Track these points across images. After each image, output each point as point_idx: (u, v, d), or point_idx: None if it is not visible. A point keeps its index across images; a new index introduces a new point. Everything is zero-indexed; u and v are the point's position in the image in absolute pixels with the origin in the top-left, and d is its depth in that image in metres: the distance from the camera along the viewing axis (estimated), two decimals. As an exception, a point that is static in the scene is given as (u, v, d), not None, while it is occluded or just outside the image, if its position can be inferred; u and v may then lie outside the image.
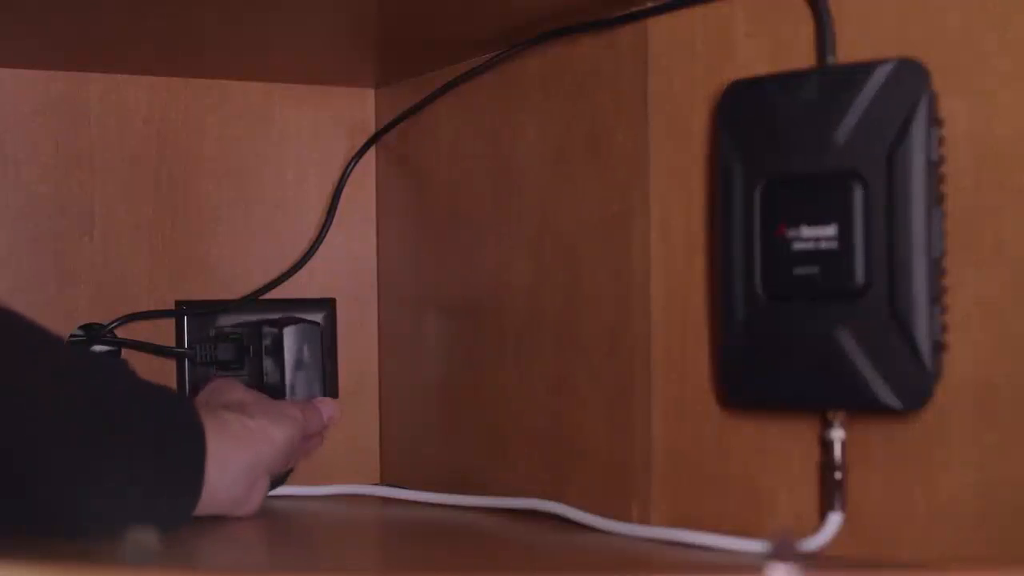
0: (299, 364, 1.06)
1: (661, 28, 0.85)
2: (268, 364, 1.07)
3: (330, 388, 1.13)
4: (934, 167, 0.69)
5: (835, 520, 0.74)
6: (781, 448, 0.78)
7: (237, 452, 0.88)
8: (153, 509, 0.82)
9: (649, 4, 0.86)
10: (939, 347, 0.69)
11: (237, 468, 0.88)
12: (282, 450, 0.92)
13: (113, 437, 0.80)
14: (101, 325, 1.07)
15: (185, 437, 0.85)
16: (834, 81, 0.72)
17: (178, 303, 1.11)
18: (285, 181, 1.15)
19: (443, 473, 1.08)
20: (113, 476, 0.80)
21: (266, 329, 1.08)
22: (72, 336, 1.06)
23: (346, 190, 1.16)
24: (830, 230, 0.72)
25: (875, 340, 0.70)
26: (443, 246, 1.08)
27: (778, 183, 0.75)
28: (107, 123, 1.09)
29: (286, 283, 1.14)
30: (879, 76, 0.70)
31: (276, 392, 1.05)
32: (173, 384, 1.10)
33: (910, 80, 0.69)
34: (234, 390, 0.97)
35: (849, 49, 0.74)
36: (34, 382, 0.78)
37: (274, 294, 1.13)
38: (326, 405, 1.02)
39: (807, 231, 0.73)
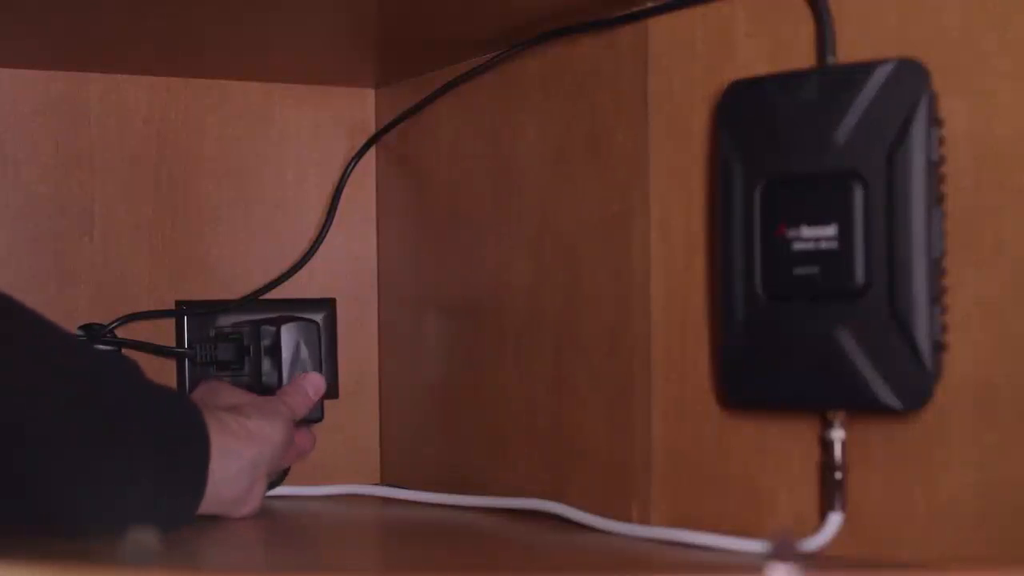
0: (297, 362, 1.06)
1: (661, 28, 0.85)
2: (267, 364, 1.07)
3: (330, 388, 1.13)
4: (934, 167, 0.69)
5: (835, 520, 0.74)
6: (781, 448, 0.78)
7: (239, 451, 0.88)
8: (157, 506, 0.82)
9: (649, 4, 0.86)
10: (939, 347, 0.69)
11: (240, 466, 0.88)
12: (279, 447, 0.93)
13: (117, 434, 0.80)
14: (101, 325, 1.07)
15: (189, 435, 0.85)
16: (834, 81, 0.72)
17: (178, 303, 1.11)
18: (285, 181, 1.15)
19: (443, 473, 1.08)
20: (117, 473, 0.80)
21: (265, 328, 1.08)
22: (72, 336, 1.06)
23: (346, 190, 1.16)
24: (830, 230, 0.72)
25: (875, 340, 0.70)
26: (443, 246, 1.08)
27: (778, 183, 0.75)
28: (107, 123, 1.09)
29: (286, 283, 1.14)
30: (879, 76, 0.70)
31: (274, 392, 1.05)
32: (173, 384, 1.09)
33: (910, 80, 0.69)
34: (225, 393, 0.98)
35: (849, 49, 0.74)
36: (39, 379, 0.78)
37: (274, 294, 1.13)
38: (309, 380, 1.02)
39: (807, 231, 0.73)
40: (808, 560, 0.73)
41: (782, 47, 0.78)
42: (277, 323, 1.07)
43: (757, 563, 0.73)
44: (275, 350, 1.06)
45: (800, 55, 0.76)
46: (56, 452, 0.77)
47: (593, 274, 0.91)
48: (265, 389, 1.05)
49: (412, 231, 1.13)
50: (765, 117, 0.75)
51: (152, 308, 1.09)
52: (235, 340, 1.10)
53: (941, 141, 0.69)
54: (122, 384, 0.83)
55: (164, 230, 1.11)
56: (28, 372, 0.78)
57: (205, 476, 0.85)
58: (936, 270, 0.69)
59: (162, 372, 1.09)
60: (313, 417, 1.05)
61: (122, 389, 0.83)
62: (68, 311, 1.06)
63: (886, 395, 0.70)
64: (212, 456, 0.85)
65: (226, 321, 1.11)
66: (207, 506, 0.86)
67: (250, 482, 0.90)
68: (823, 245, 0.72)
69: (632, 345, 0.87)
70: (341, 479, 1.14)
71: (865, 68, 0.71)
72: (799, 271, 0.73)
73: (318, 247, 1.15)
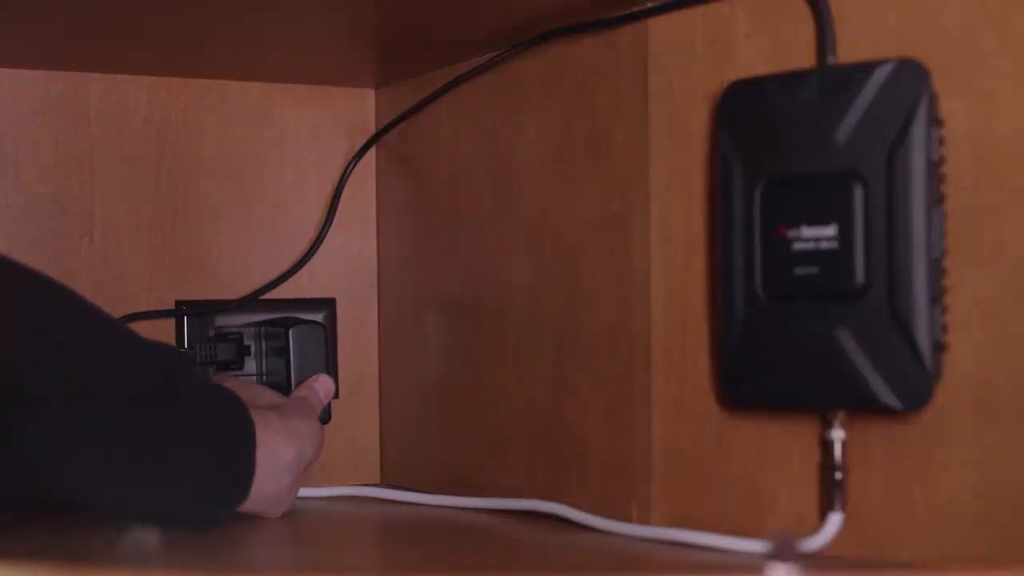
0: (304, 364, 1.06)
1: (661, 28, 0.85)
2: (271, 364, 1.07)
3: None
4: (934, 167, 0.69)
5: (835, 520, 0.74)
6: (781, 448, 0.78)
7: (284, 446, 0.88)
8: (202, 498, 0.82)
9: (649, 4, 0.86)
10: (939, 347, 0.69)
11: (284, 463, 0.88)
12: (318, 448, 0.92)
13: (165, 425, 0.80)
14: (101, 325, 1.07)
15: (236, 427, 0.84)
16: (834, 81, 0.72)
17: (178, 303, 1.11)
18: (285, 181, 1.15)
19: (443, 473, 1.08)
20: (163, 464, 0.79)
21: (270, 329, 1.08)
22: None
23: (346, 190, 1.16)
24: (830, 230, 0.72)
25: (875, 340, 0.70)
26: (443, 246, 1.08)
27: (778, 183, 0.75)
28: (107, 123, 1.09)
29: (286, 283, 1.14)
30: (879, 76, 0.70)
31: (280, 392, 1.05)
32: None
33: (910, 80, 0.69)
34: (255, 390, 0.96)
35: (849, 49, 0.74)
36: (92, 366, 0.78)
37: (274, 294, 1.13)
38: (319, 383, 1.02)
39: (807, 231, 0.73)
40: (808, 560, 0.73)
41: (782, 47, 0.78)
42: (284, 325, 1.06)
43: (757, 563, 0.74)
44: (283, 352, 1.06)
45: (800, 55, 0.77)
46: (108, 436, 0.77)
47: (593, 274, 0.91)
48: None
49: (412, 231, 1.13)
50: (765, 117, 0.75)
51: (152, 308, 1.09)
52: (235, 340, 1.10)
53: (941, 141, 0.69)
54: (172, 376, 0.83)
55: (164, 230, 1.11)
56: (81, 357, 0.78)
57: (252, 466, 0.84)
58: (936, 270, 0.69)
59: (162, 372, 1.09)
60: (320, 419, 1.05)
61: (171, 381, 0.82)
62: (68, 311, 1.06)
63: (886, 395, 0.70)
64: (258, 447, 0.85)
65: (226, 321, 1.11)
66: (249, 503, 0.85)
67: (291, 479, 0.89)
68: (823, 245, 0.72)
69: (632, 345, 0.87)
70: (341, 479, 1.14)
71: (865, 68, 0.71)
72: (799, 271, 0.73)
73: (318, 247, 1.15)
